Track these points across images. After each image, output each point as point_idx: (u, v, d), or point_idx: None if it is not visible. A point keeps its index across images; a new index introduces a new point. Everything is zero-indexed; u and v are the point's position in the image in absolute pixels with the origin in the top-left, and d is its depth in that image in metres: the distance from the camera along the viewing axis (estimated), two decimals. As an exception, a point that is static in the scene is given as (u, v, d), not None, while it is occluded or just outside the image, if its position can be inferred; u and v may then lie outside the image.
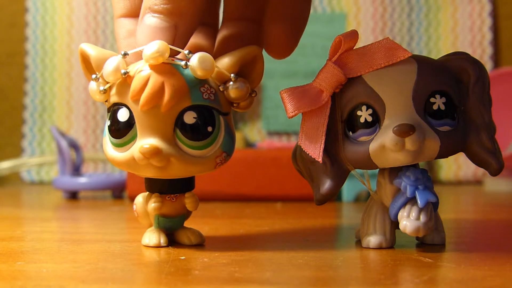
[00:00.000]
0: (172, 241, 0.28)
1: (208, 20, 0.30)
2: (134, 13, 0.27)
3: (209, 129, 0.25)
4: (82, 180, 0.56)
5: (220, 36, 0.29)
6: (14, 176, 0.83)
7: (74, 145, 0.61)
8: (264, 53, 0.28)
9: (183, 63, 0.25)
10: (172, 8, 0.25)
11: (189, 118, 0.25)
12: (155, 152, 0.24)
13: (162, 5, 0.25)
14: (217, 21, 0.31)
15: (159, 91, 0.24)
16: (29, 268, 0.22)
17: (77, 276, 0.21)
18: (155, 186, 0.27)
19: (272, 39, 0.28)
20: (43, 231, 0.33)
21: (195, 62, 0.24)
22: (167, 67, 0.24)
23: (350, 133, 0.26)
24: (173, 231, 0.28)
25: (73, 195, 0.56)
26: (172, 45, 0.25)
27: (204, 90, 0.25)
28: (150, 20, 0.25)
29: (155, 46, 0.24)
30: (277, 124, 0.83)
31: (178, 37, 0.25)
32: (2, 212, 0.44)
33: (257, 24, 0.29)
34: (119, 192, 0.57)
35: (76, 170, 0.60)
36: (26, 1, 0.85)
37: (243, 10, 0.29)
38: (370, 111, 0.25)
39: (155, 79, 0.24)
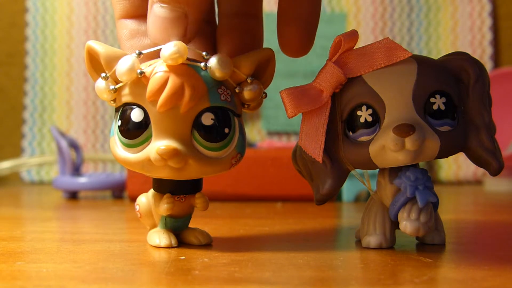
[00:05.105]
0: (178, 242, 0.28)
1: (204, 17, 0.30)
2: (135, 14, 0.27)
3: (226, 130, 0.25)
4: (82, 180, 0.56)
5: (221, 33, 0.29)
6: (14, 176, 0.83)
7: (74, 145, 0.61)
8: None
9: (202, 64, 0.24)
10: None
11: (207, 119, 0.25)
12: (174, 154, 0.24)
13: None
14: (214, 18, 0.31)
15: (179, 92, 0.24)
16: (29, 268, 0.22)
17: (77, 276, 0.21)
18: (165, 187, 0.27)
19: (287, 40, 0.28)
20: (43, 231, 0.33)
21: (215, 64, 0.24)
22: (185, 68, 0.24)
23: (350, 133, 0.26)
24: (179, 232, 0.28)
25: (73, 195, 0.56)
26: (184, 35, 0.24)
27: (221, 91, 0.25)
28: (160, 11, 0.24)
29: (174, 47, 0.24)
30: (277, 124, 0.83)
31: (189, 25, 0.25)
32: (2, 212, 0.44)
33: (255, 18, 0.29)
34: (119, 192, 0.57)
35: (76, 170, 0.60)
36: (26, 1, 0.85)
37: (238, 5, 0.29)
38: (370, 111, 0.25)
39: (174, 80, 0.24)
